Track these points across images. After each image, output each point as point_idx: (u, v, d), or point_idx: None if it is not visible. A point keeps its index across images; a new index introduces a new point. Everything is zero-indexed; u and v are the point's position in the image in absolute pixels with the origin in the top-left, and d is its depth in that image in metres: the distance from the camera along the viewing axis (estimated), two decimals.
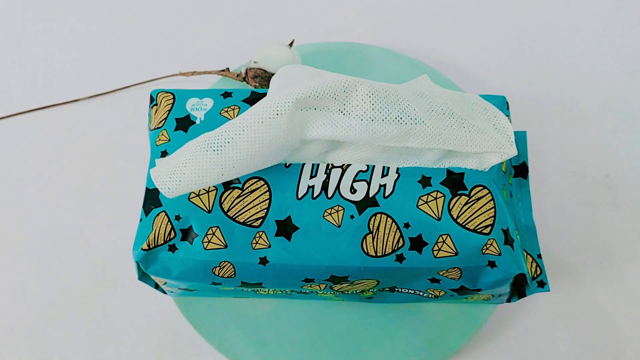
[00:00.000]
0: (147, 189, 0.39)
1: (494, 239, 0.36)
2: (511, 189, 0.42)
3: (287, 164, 0.37)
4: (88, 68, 0.57)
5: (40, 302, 0.48)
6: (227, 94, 0.41)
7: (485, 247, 0.36)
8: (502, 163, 0.41)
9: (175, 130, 0.39)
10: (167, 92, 0.42)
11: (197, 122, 0.39)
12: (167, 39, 0.59)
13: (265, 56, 0.48)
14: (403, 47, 0.58)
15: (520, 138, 0.43)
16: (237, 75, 0.53)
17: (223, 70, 0.53)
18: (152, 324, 0.46)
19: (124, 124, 0.54)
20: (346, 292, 0.41)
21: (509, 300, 0.42)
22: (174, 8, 0.61)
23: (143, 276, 0.40)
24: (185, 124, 0.40)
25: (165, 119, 0.40)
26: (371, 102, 0.33)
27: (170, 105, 0.41)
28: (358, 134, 0.34)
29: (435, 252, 0.35)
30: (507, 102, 0.41)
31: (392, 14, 0.60)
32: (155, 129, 0.41)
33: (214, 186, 0.37)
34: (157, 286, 0.42)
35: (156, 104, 0.42)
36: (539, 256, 0.41)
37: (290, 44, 0.51)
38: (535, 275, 0.39)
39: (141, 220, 0.38)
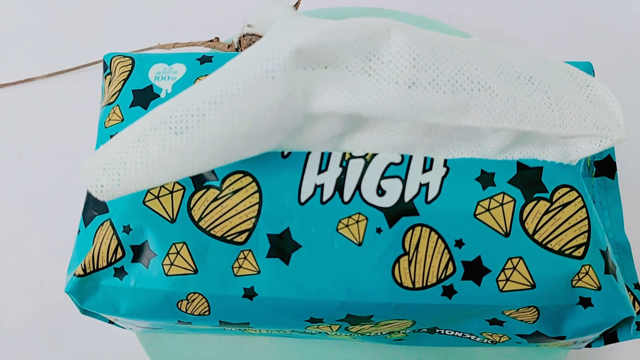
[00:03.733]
0: None
1: (589, 266, 0.25)
2: (593, 193, 0.31)
3: (285, 153, 0.27)
4: (45, 40, 0.49)
5: None
6: (205, 59, 0.31)
7: (576, 278, 0.26)
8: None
9: (132, 106, 0.29)
10: (124, 57, 0.31)
11: (163, 95, 0.29)
12: (142, 3, 0.51)
13: (263, 18, 0.38)
14: (437, 13, 0.49)
15: None
16: (229, 47, 0.42)
17: (211, 41, 0.43)
18: None
19: (88, 108, 0.46)
20: (367, 334, 0.30)
21: (589, 345, 0.30)
22: None
23: (88, 311, 0.29)
24: (145, 97, 0.29)
25: (119, 91, 0.30)
26: (411, 56, 0.22)
27: (128, 73, 0.30)
28: (390, 106, 0.22)
29: (501, 284, 0.26)
30: (593, 71, 0.30)
31: None
32: (106, 105, 0.30)
33: (179, 184, 0.27)
34: (111, 321, 0.31)
35: (110, 73, 0.31)
36: (637, 286, 0.29)
37: (296, 5, 0.40)
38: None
39: (79, 232, 0.27)
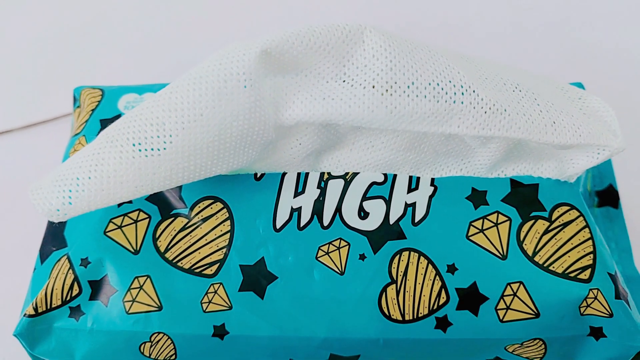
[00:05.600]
0: (49, 223, 0.26)
1: (598, 290, 0.23)
2: (598, 224, 0.28)
3: (258, 175, 0.25)
4: (22, 90, 0.48)
5: None
6: None
7: (584, 304, 0.23)
8: (587, 181, 0.28)
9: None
10: (94, 89, 0.30)
11: None
12: (121, 51, 0.50)
13: None
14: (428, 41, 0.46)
15: None
16: None
17: None
18: None
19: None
20: None
21: None
22: (133, 11, 0.51)
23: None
24: None
25: (86, 121, 0.28)
26: (387, 58, 0.21)
27: (96, 103, 0.29)
28: (367, 112, 0.21)
29: (501, 313, 0.23)
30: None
31: (404, 17, 0.49)
32: (72, 136, 0.29)
33: (145, 212, 0.24)
34: None
35: (79, 106, 0.30)
36: None
37: None
38: None
39: (35, 270, 0.25)
